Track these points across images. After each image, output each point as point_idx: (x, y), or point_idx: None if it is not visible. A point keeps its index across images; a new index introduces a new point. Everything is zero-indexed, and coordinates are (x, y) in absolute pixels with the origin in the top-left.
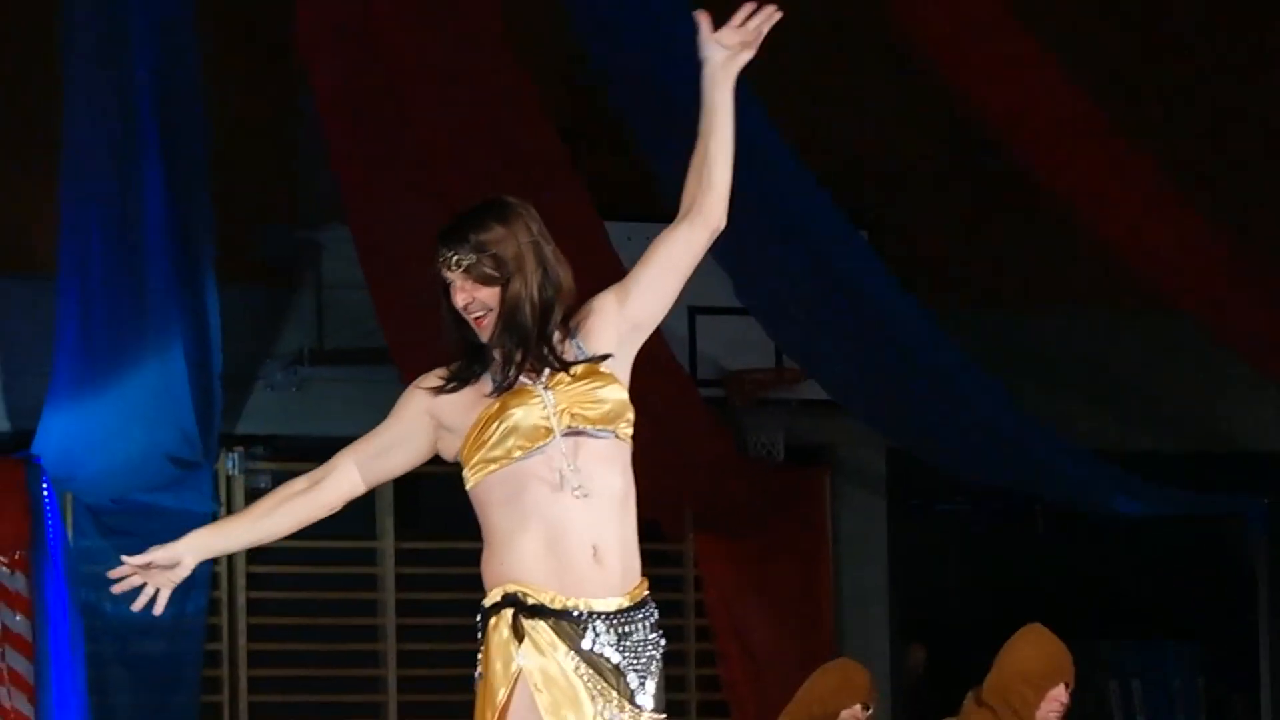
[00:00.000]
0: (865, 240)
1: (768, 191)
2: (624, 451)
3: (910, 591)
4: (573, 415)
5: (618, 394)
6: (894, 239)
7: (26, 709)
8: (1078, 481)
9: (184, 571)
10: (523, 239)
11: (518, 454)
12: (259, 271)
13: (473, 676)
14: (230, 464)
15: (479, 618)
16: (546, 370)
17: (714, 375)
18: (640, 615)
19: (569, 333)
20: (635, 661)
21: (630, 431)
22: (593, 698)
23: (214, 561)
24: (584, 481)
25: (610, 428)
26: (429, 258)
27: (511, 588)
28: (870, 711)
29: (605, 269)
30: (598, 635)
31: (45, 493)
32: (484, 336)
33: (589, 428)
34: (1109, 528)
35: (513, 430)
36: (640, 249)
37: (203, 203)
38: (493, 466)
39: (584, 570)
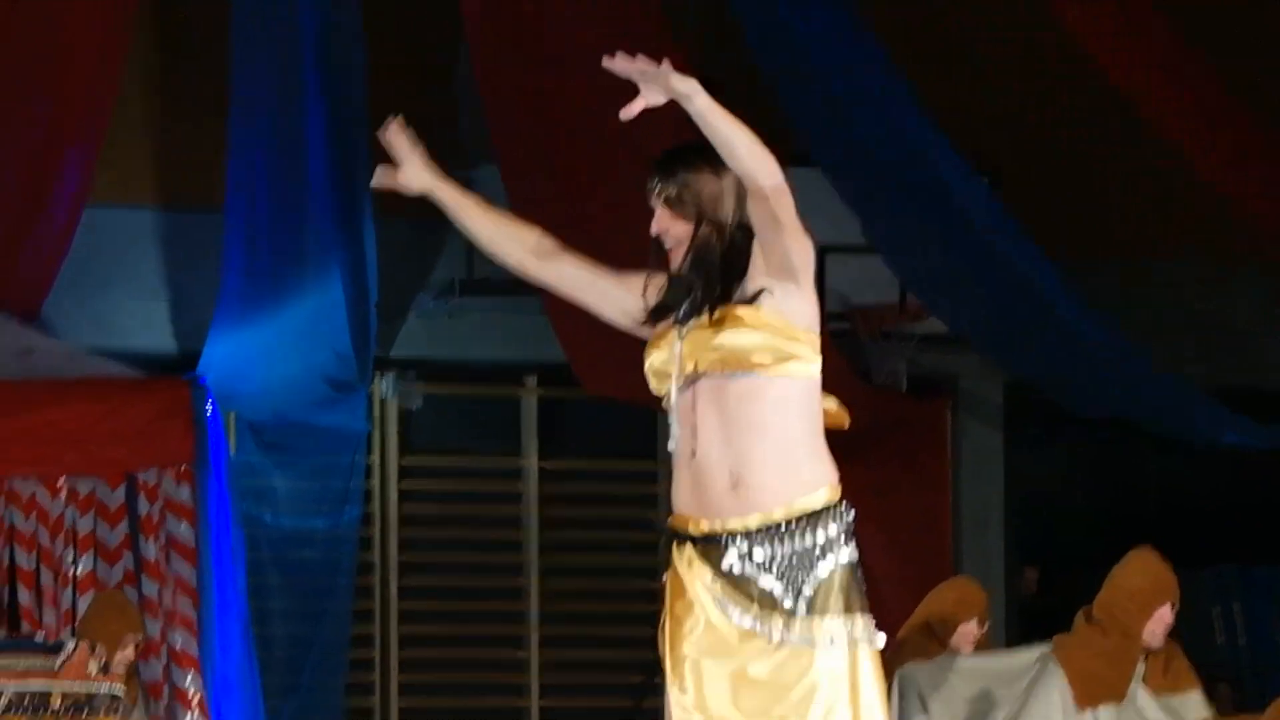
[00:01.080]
0: (986, 184)
1: (893, 135)
2: (766, 386)
3: (1025, 517)
4: (695, 362)
5: (735, 339)
6: (1009, 186)
7: (190, 612)
8: (1187, 416)
9: (408, 180)
10: (726, 184)
11: (662, 391)
12: (414, 207)
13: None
14: (384, 386)
15: None
16: (699, 316)
17: (841, 310)
18: (786, 531)
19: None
20: (779, 574)
21: (776, 366)
22: (726, 610)
23: (368, 476)
24: (710, 422)
25: (735, 370)
26: (572, 197)
27: (672, 520)
28: (985, 627)
29: None
30: (740, 554)
31: (210, 411)
32: (673, 266)
33: (711, 372)
34: (1215, 460)
35: (651, 371)
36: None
37: (361, 141)
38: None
39: (722, 497)
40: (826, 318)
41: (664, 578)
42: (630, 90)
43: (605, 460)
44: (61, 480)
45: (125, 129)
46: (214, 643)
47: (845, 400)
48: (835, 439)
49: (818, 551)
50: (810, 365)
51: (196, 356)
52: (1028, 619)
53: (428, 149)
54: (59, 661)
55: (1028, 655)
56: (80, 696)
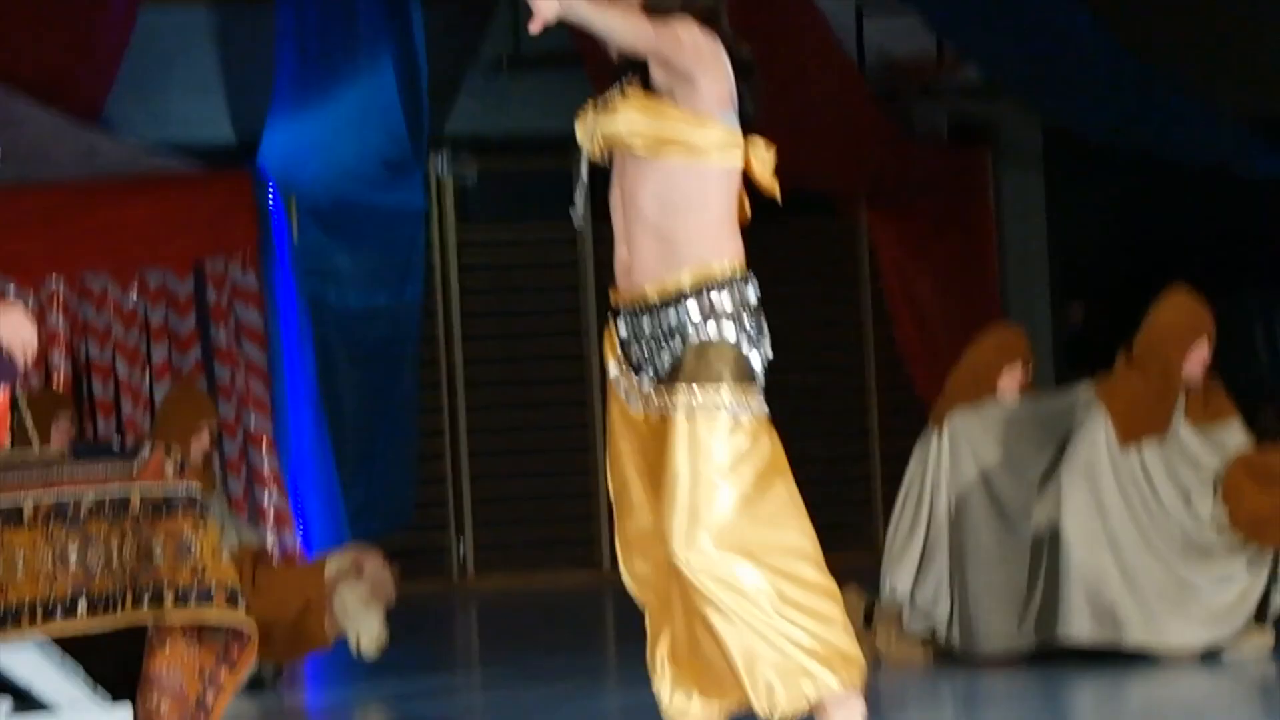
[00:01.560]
0: None
1: None
2: (646, 167)
3: (1068, 256)
4: (600, 136)
5: (618, 121)
6: None
7: (262, 393)
8: (1224, 146)
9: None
10: None
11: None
12: None
13: None
14: (438, 164)
15: None
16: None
17: (880, 66)
18: (657, 309)
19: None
20: (645, 347)
21: (642, 144)
22: (622, 372)
23: (427, 252)
24: (625, 196)
25: (616, 149)
26: None
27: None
28: (1027, 372)
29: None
30: (627, 325)
31: (271, 197)
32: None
33: (606, 154)
34: (1251, 188)
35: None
36: None
37: None
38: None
39: (621, 275)
40: (867, 75)
41: None
42: None
43: None
44: (133, 273)
45: None
46: (287, 421)
47: (888, 154)
48: (880, 192)
49: (678, 328)
50: (697, 153)
51: (255, 146)
52: (1075, 352)
53: None
54: (136, 466)
55: (1070, 397)
56: (158, 498)
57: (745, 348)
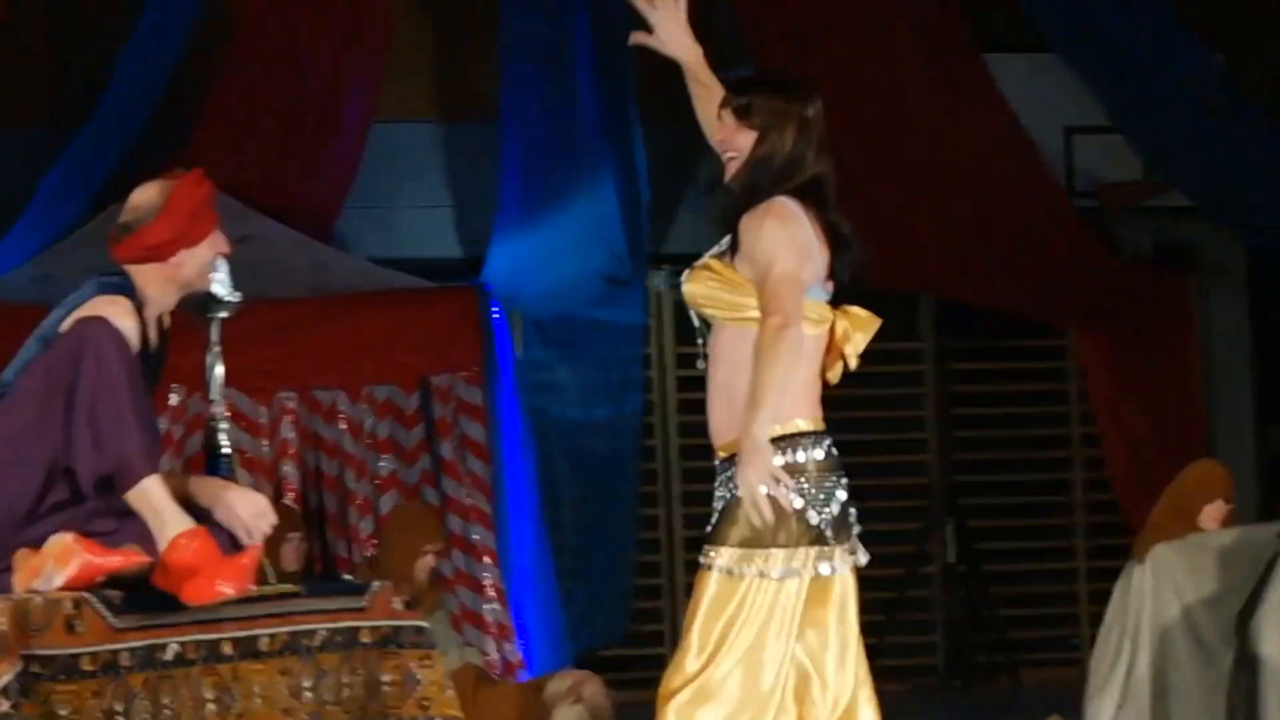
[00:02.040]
0: (1222, 62)
1: (1129, 17)
2: (723, 330)
3: (1273, 380)
4: (685, 296)
5: (695, 286)
6: (1242, 61)
7: (485, 506)
8: None
9: (661, 42)
10: (793, 111)
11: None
12: (679, 112)
13: None
14: (659, 280)
15: None
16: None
17: (1089, 187)
18: (728, 465)
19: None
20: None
21: (719, 313)
22: None
23: (647, 366)
24: (710, 352)
25: (699, 312)
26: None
27: None
28: (1231, 505)
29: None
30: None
31: (496, 313)
32: (727, 176)
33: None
34: None
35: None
36: (1015, 81)
37: (625, 51)
38: None
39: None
40: (1074, 196)
41: None
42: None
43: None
44: (361, 389)
45: (405, 47)
46: (509, 534)
47: (1095, 273)
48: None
49: (726, 485)
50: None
51: (480, 261)
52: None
53: None
54: (366, 600)
55: (1273, 528)
56: (387, 630)
57: (798, 505)
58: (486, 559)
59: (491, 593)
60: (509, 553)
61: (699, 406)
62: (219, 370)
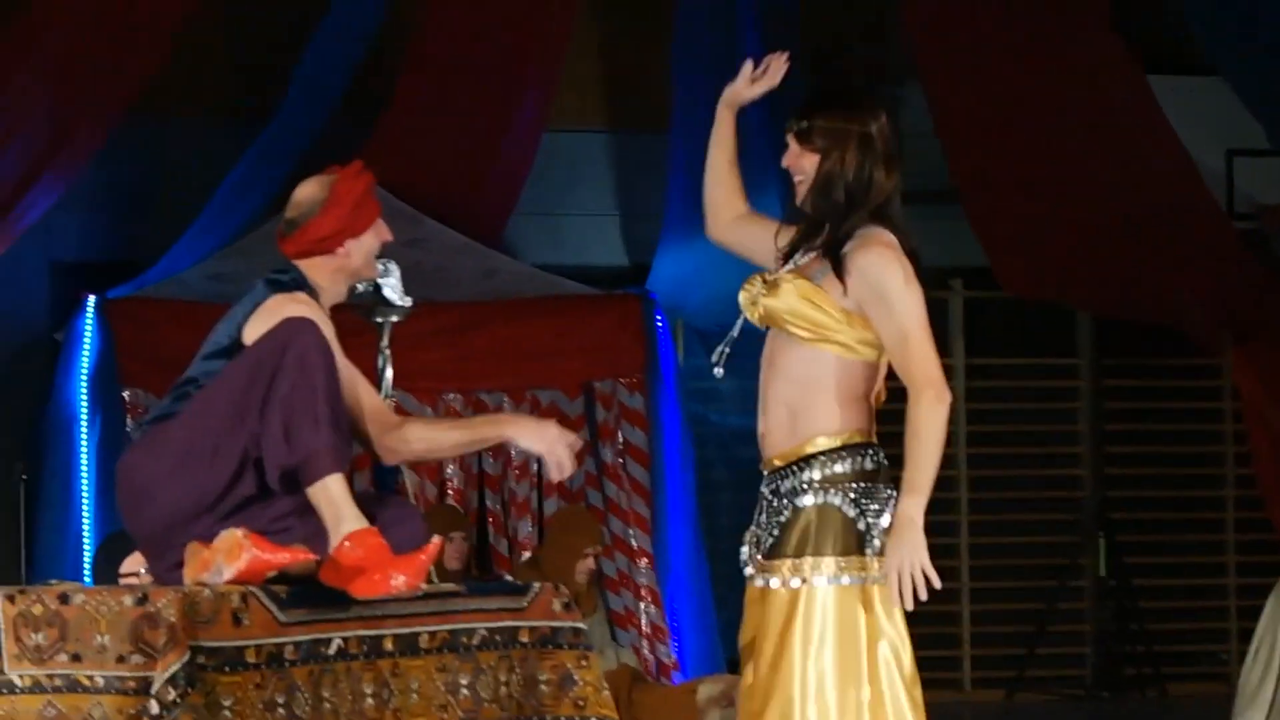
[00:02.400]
0: None
1: None
2: (795, 346)
3: None
4: (763, 308)
5: (779, 301)
6: None
7: (644, 510)
8: None
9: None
10: (854, 128)
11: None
12: None
13: None
14: None
15: None
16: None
17: (1249, 209)
18: (785, 473)
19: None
20: (762, 517)
21: (802, 332)
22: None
23: None
24: (768, 366)
25: (774, 326)
26: (998, 115)
27: None
28: None
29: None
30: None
31: (659, 322)
32: (798, 200)
33: (762, 324)
34: None
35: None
36: (1177, 103)
37: (794, 63)
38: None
39: (763, 438)
40: (1235, 218)
41: None
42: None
43: (1027, 357)
44: (526, 392)
45: (577, 57)
46: (666, 538)
47: (1255, 293)
48: (1245, 330)
49: (786, 498)
50: (849, 351)
51: (645, 269)
52: None
53: (856, 66)
54: (526, 601)
55: None
56: (545, 631)
57: (851, 513)
58: (644, 562)
59: (648, 595)
60: (666, 556)
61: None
62: (389, 372)
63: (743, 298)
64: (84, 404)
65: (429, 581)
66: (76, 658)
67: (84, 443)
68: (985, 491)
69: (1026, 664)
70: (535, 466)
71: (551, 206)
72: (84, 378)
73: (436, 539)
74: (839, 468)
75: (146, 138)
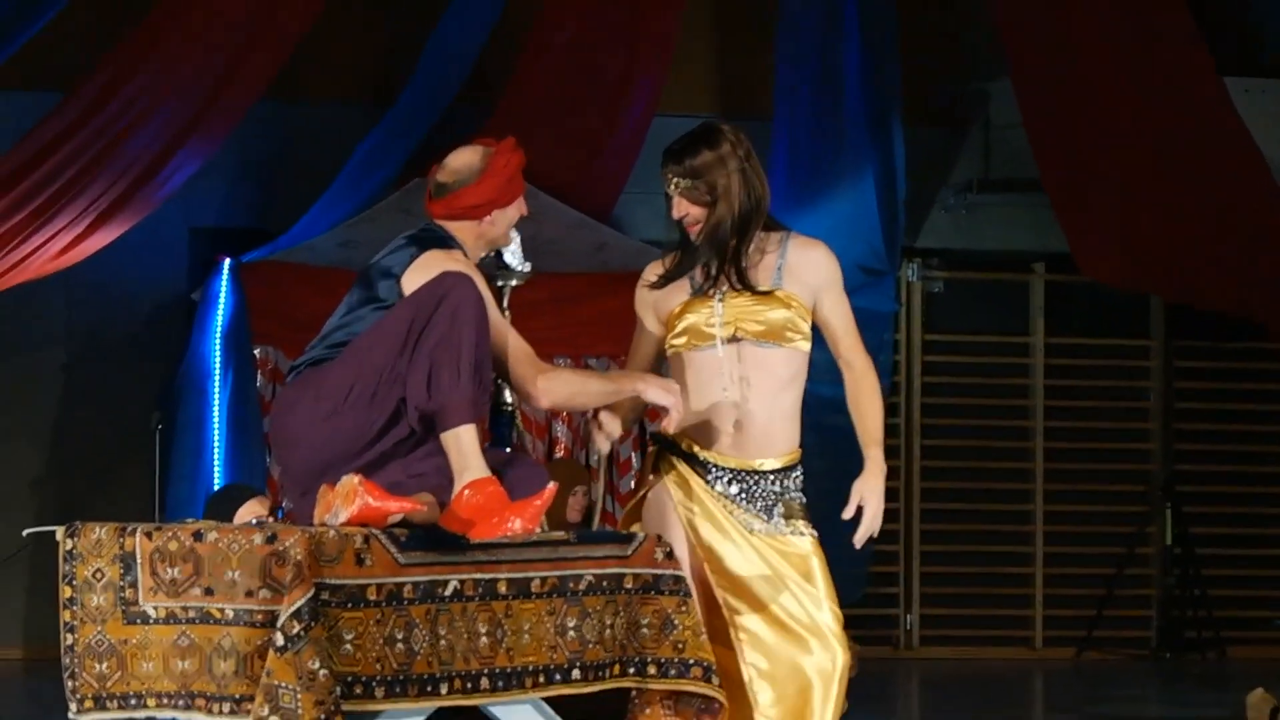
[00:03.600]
0: None
1: None
2: (788, 355)
3: None
4: (736, 328)
5: (780, 315)
6: None
7: None
8: None
9: None
10: (731, 165)
11: (692, 346)
12: (938, 116)
13: None
14: (910, 272)
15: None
16: (731, 285)
17: None
18: (764, 476)
19: (779, 251)
20: (750, 502)
21: (798, 341)
22: (726, 528)
23: (895, 351)
24: (741, 380)
25: (773, 341)
26: (1082, 110)
27: (679, 436)
28: None
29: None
30: (719, 480)
31: None
32: (694, 240)
33: (748, 339)
34: None
35: (688, 330)
36: (1254, 105)
37: (893, 60)
38: (675, 348)
39: (723, 436)
40: None
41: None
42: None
43: (1104, 338)
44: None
45: (687, 47)
46: None
47: None
48: None
49: (782, 491)
50: (808, 343)
51: None
52: None
53: (948, 63)
54: (630, 549)
55: None
56: (648, 578)
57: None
58: None
59: None
60: None
61: (940, 389)
62: None
63: (700, 320)
64: (217, 360)
65: (541, 530)
66: (209, 591)
67: (216, 396)
68: (1059, 462)
69: (1095, 625)
70: (636, 430)
71: (659, 187)
72: (218, 335)
73: (552, 485)
74: (797, 474)
75: (281, 114)
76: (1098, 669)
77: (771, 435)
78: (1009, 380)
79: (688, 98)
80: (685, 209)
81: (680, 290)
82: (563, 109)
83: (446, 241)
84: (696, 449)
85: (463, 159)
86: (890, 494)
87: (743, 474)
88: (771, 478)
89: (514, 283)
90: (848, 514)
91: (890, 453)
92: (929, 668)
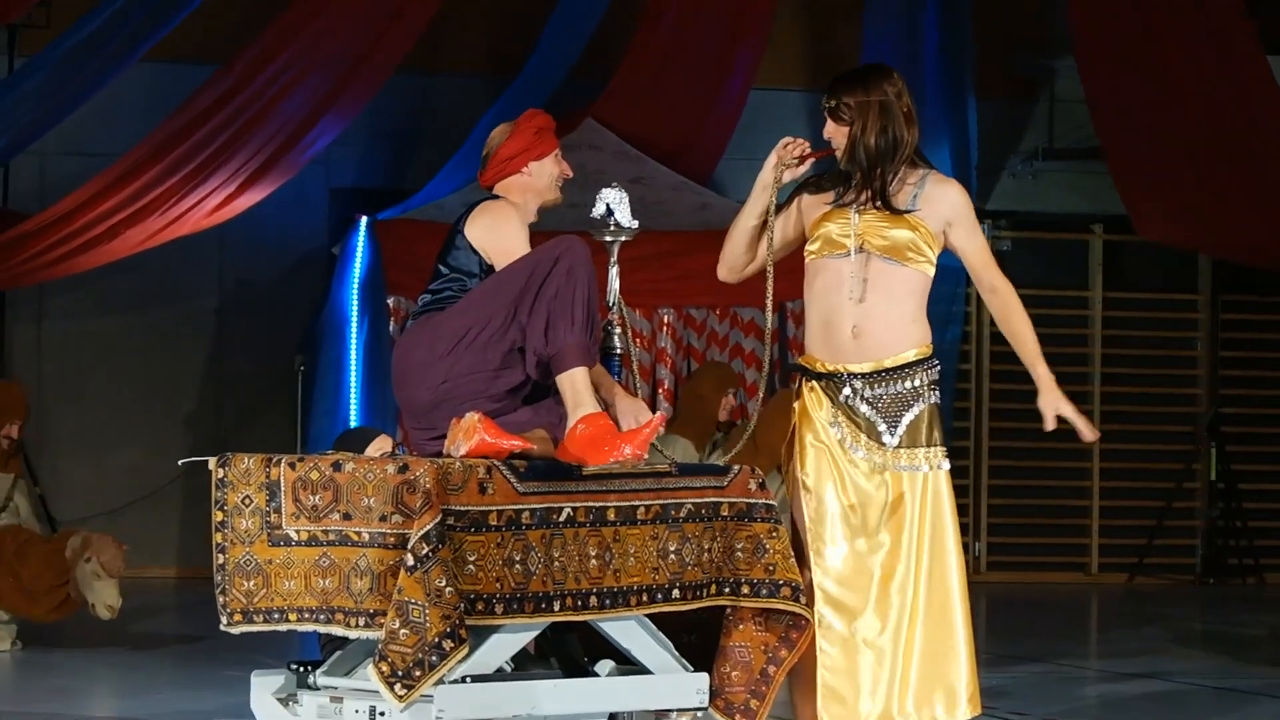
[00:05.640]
0: None
1: None
2: (906, 272)
3: None
4: (864, 240)
5: (905, 235)
6: None
7: None
8: None
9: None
10: (874, 99)
11: (825, 253)
12: (1009, 87)
13: None
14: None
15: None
16: (869, 201)
17: None
18: (892, 377)
19: (918, 183)
20: (882, 412)
21: (921, 264)
22: (841, 440)
23: (967, 304)
24: (862, 289)
25: (893, 258)
26: (1139, 86)
27: (801, 360)
28: None
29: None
30: (854, 391)
31: None
32: (840, 162)
33: (874, 253)
34: None
35: (822, 237)
36: None
37: (967, 35)
38: (811, 255)
39: (845, 343)
40: None
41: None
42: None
43: (1156, 293)
44: (730, 309)
45: (782, 25)
46: None
47: None
48: None
49: (910, 395)
50: (932, 268)
51: None
52: None
53: (1018, 41)
54: (726, 480)
55: None
56: (742, 507)
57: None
58: None
59: None
60: None
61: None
62: (616, 284)
63: (835, 230)
64: (354, 308)
65: (651, 452)
66: (347, 516)
67: (353, 341)
68: (1115, 405)
69: (1145, 553)
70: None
71: (755, 152)
72: (355, 286)
73: (660, 414)
74: (934, 375)
75: (414, 85)
76: (1148, 592)
77: (887, 342)
78: (1070, 330)
79: (782, 72)
80: (830, 129)
81: (825, 203)
82: (669, 83)
83: (494, 199)
84: (820, 365)
85: (496, 130)
86: (960, 433)
87: (871, 378)
88: (891, 381)
89: (623, 239)
90: (1048, 427)
91: (961, 395)
92: (995, 589)
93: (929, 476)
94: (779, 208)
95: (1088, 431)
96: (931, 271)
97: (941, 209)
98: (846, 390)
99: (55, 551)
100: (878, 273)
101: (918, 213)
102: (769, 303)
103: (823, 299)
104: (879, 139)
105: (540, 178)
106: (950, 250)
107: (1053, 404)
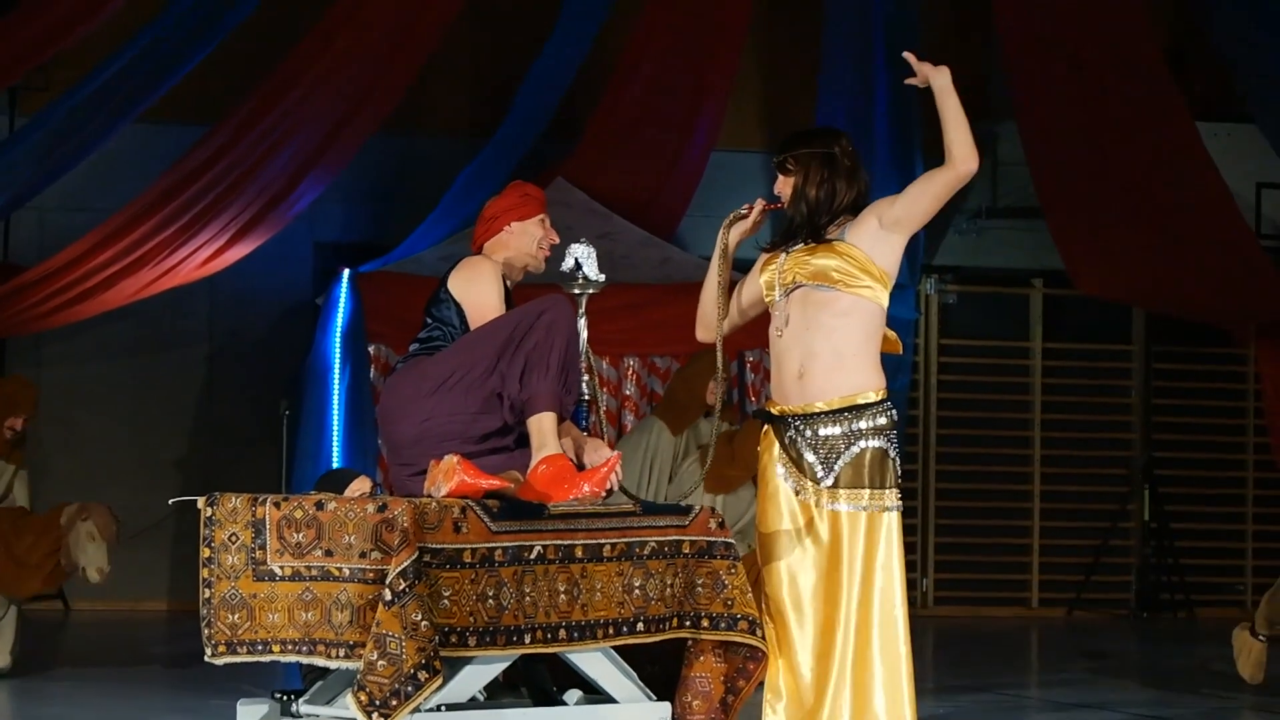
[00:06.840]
0: None
1: None
2: (844, 300)
3: None
4: (793, 274)
5: (830, 260)
6: None
7: None
8: None
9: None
10: (817, 149)
11: (768, 298)
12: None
13: None
14: (928, 286)
15: None
16: (801, 244)
17: (1273, 231)
18: (833, 417)
19: (851, 222)
20: (819, 452)
21: (855, 285)
22: (784, 478)
23: (915, 354)
24: (785, 321)
25: (822, 283)
26: (1076, 149)
27: (769, 403)
28: None
29: (1194, 162)
30: (796, 432)
31: None
32: (787, 212)
33: (805, 283)
34: None
35: (764, 284)
36: (1221, 146)
37: (915, 100)
38: (766, 304)
39: (790, 385)
40: (1261, 238)
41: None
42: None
43: (1093, 343)
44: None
45: (740, 92)
46: None
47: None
48: (1271, 328)
49: (850, 436)
50: (878, 295)
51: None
52: None
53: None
54: (688, 519)
55: None
56: (703, 544)
57: (893, 454)
58: None
59: None
60: None
61: (953, 386)
62: (584, 334)
63: (771, 273)
64: (337, 356)
65: (610, 492)
66: (329, 553)
67: (336, 387)
68: (1054, 449)
69: (1083, 589)
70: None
71: (715, 210)
72: (338, 335)
73: (616, 454)
74: (882, 420)
75: (395, 146)
76: (1085, 625)
77: (827, 385)
78: (1012, 379)
79: (741, 134)
80: (780, 184)
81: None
82: (635, 144)
83: (479, 256)
84: (771, 407)
85: (488, 201)
86: (908, 475)
87: (813, 418)
88: (832, 421)
89: (591, 291)
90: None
91: (909, 440)
92: (942, 622)
93: (872, 517)
94: (747, 270)
95: (928, 71)
96: (875, 298)
97: (865, 219)
98: (790, 432)
99: (50, 521)
100: (815, 305)
101: (846, 240)
102: (719, 344)
103: (772, 344)
104: (819, 190)
105: (521, 237)
106: (899, 223)
107: (937, 76)
